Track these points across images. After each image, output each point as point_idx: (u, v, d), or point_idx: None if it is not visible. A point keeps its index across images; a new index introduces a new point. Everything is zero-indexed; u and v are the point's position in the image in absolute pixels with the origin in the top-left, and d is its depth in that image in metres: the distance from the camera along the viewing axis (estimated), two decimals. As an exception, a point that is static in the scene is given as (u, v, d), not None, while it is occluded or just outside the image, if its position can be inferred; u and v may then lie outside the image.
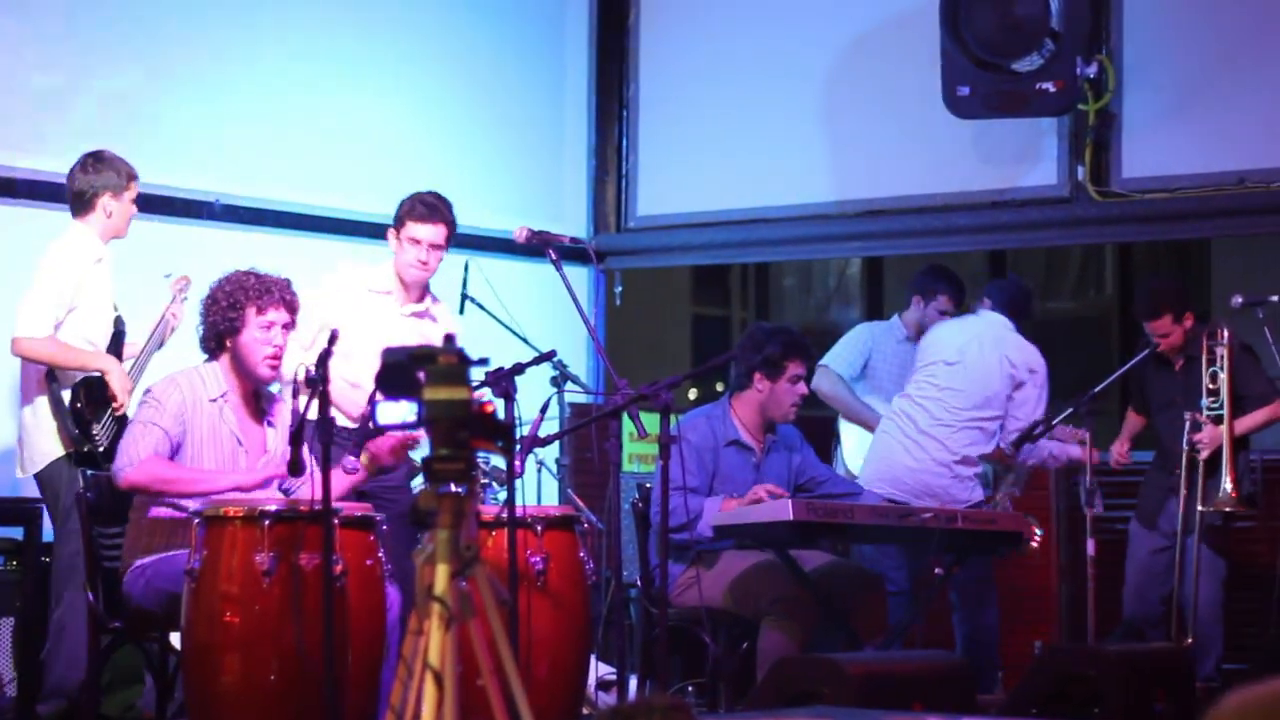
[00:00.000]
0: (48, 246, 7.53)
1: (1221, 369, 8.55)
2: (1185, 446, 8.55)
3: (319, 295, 7.50)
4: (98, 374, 7.44)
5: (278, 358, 6.63)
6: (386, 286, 7.64)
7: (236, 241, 8.96)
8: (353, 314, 7.41)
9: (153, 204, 8.59)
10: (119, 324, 7.65)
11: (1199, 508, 8.48)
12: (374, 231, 9.23)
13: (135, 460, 6.42)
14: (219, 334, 6.59)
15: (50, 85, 8.58)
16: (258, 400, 6.73)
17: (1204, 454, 8.51)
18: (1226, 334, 8.58)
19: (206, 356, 6.69)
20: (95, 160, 7.66)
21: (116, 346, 7.61)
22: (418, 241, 7.54)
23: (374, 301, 7.62)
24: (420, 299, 7.69)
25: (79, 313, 7.48)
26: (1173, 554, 8.65)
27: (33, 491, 7.56)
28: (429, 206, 7.56)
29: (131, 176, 7.69)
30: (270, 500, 6.13)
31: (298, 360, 6.39)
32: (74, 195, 7.64)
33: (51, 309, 7.42)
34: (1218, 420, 8.52)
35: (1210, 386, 8.57)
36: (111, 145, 7.77)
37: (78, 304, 7.47)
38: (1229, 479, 8.42)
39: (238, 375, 6.63)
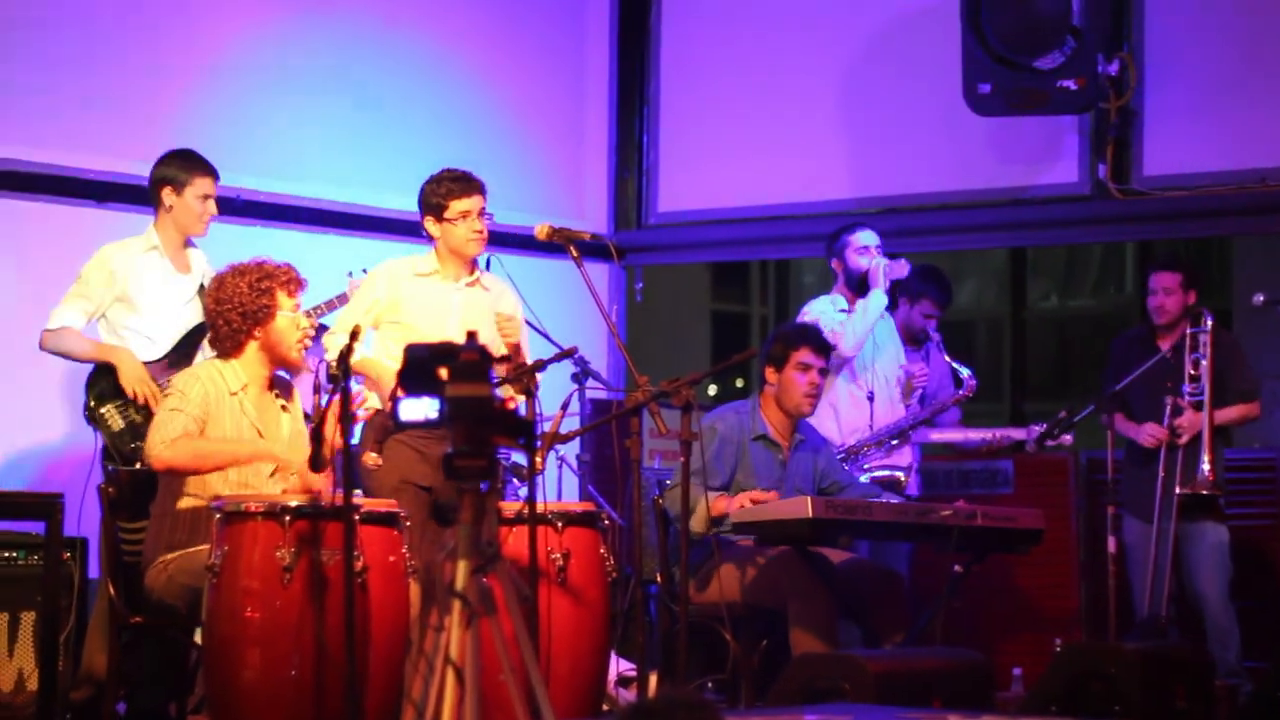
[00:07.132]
0: None
1: (1204, 355, 8.58)
2: (1166, 431, 8.56)
3: (368, 281, 7.44)
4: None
5: (308, 339, 6.68)
6: (431, 268, 7.49)
7: (257, 237, 8.95)
8: (407, 296, 7.32)
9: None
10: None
11: (1176, 490, 8.51)
12: (394, 227, 9.22)
13: (167, 440, 6.42)
14: (252, 323, 6.59)
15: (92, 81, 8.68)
16: (272, 388, 6.75)
17: (1184, 439, 8.54)
18: (1210, 321, 8.62)
19: (218, 355, 6.70)
20: (167, 155, 7.69)
21: (196, 336, 7.57)
22: (468, 214, 7.41)
23: (423, 283, 7.46)
24: (472, 271, 7.56)
25: (131, 305, 7.51)
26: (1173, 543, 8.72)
27: (53, 486, 7.56)
28: (464, 179, 7.43)
29: (200, 174, 7.65)
30: (291, 496, 6.15)
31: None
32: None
33: (77, 301, 7.47)
34: (1198, 406, 8.55)
35: (1192, 373, 8.60)
36: (129, 140, 7.79)
37: (127, 295, 7.50)
38: (1207, 462, 8.44)
39: (265, 364, 6.66)
